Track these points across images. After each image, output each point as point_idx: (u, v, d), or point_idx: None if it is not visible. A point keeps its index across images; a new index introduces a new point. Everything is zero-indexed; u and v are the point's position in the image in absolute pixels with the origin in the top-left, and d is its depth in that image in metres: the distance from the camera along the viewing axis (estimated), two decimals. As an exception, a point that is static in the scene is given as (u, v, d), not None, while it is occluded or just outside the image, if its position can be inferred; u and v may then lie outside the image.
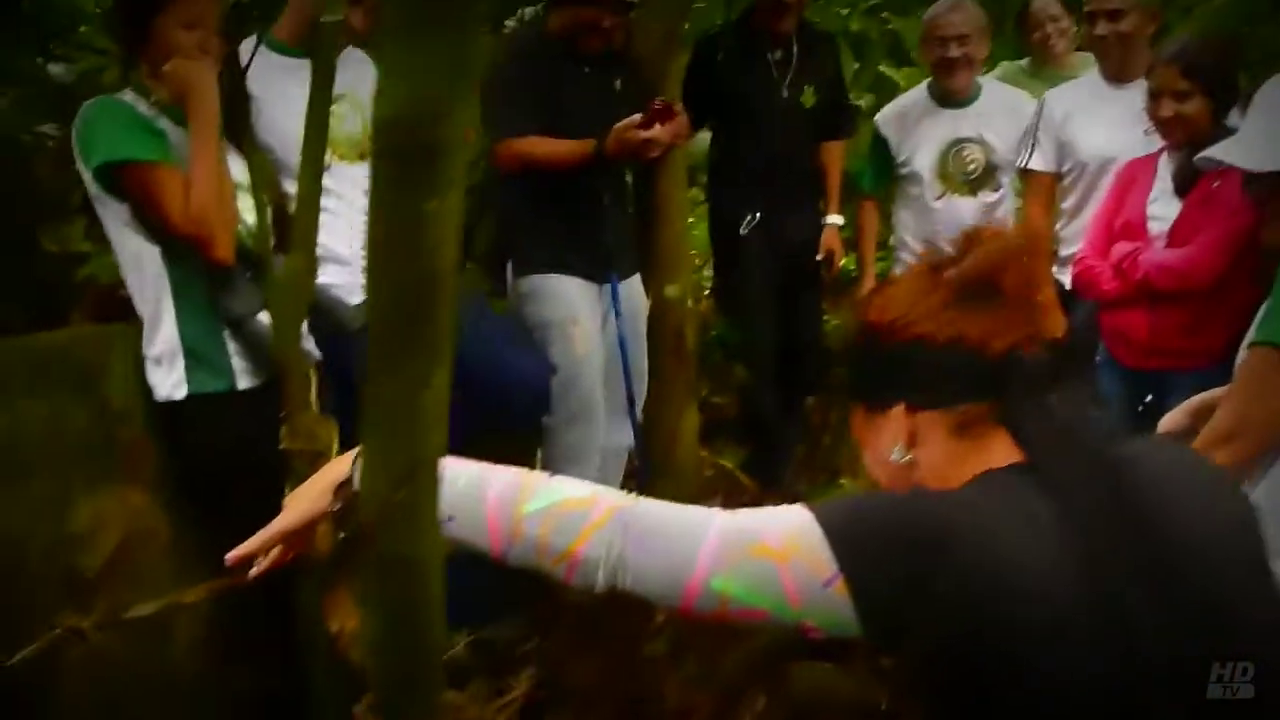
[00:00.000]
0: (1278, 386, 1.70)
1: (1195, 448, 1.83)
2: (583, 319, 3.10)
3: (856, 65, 4.34)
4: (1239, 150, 1.85)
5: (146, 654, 1.99)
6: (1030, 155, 3.31)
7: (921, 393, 1.08)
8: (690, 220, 4.43)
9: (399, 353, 0.74)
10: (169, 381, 2.14)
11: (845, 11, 4.30)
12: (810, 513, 1.00)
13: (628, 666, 2.70)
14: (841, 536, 0.97)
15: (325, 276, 2.50)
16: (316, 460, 1.69)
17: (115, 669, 1.89)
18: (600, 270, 3.17)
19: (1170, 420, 1.93)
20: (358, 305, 2.35)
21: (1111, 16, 3.12)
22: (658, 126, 2.96)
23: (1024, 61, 4.03)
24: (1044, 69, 3.84)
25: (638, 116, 2.96)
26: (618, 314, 3.20)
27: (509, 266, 3.18)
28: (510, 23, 4.07)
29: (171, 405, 2.15)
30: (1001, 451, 1.05)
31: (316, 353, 2.30)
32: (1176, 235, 2.57)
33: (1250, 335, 1.76)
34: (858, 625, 0.95)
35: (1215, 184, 2.51)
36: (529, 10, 3.88)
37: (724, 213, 3.74)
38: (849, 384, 1.18)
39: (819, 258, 3.76)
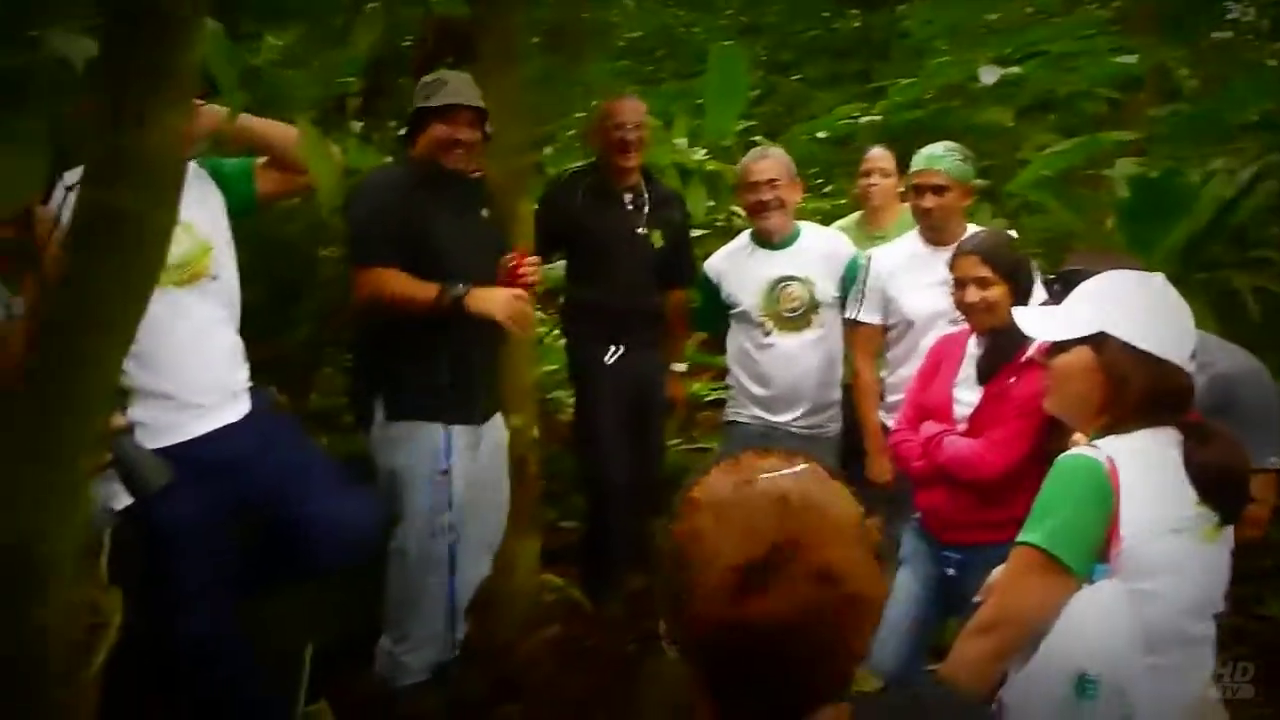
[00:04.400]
0: (1034, 586, 1.81)
1: (961, 636, 1.94)
2: (452, 470, 3.09)
3: (711, 203, 4.52)
4: (1030, 321, 2.00)
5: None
6: (859, 308, 3.50)
7: None
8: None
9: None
10: None
11: (702, 153, 4.50)
12: None
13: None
14: None
15: (141, 413, 2.47)
16: (96, 632, 1.66)
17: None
18: (468, 413, 3.16)
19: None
20: (163, 461, 2.31)
21: (936, 191, 3.35)
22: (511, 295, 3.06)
23: (856, 217, 4.24)
24: (870, 228, 4.05)
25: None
26: (477, 455, 3.22)
27: (377, 406, 3.13)
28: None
29: None
30: None
31: (117, 504, 2.25)
32: (974, 424, 2.72)
33: (1020, 534, 1.88)
34: None
35: (1011, 380, 2.67)
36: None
37: (584, 343, 3.90)
38: None
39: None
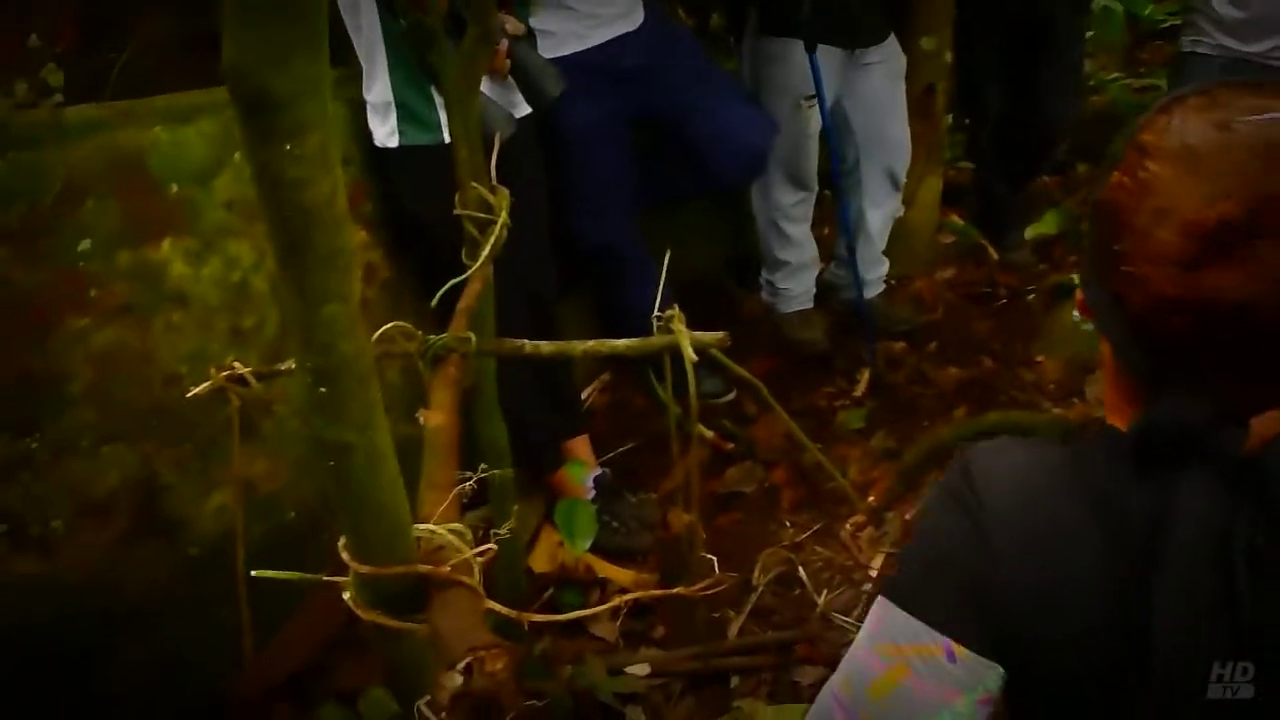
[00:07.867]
0: None
1: None
2: (821, 94, 2.89)
3: None
4: None
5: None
6: None
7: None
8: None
9: (294, 273, 0.78)
10: (383, 130, 2.23)
11: None
12: (884, 599, 0.91)
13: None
14: (919, 602, 0.88)
15: (542, 23, 2.49)
16: (487, 228, 1.75)
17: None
18: (848, 35, 2.91)
19: None
20: (559, 71, 2.32)
21: None
22: None
23: None
24: None
25: None
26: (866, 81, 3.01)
27: (750, 18, 2.95)
28: None
29: (385, 152, 2.25)
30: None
31: (518, 111, 2.32)
32: None
33: None
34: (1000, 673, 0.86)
35: None
36: None
37: None
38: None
39: None
